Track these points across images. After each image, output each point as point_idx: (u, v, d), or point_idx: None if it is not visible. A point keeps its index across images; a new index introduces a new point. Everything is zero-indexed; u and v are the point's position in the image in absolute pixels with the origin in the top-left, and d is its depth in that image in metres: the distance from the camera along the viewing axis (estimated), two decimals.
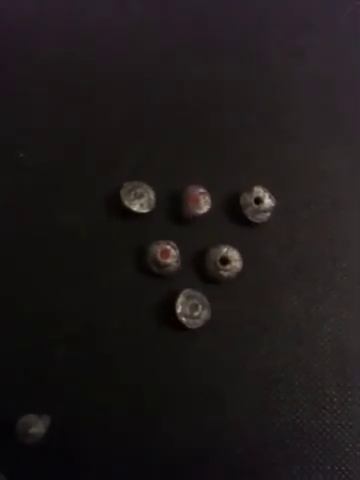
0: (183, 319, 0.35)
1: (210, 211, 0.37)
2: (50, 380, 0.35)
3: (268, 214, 0.37)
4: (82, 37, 0.44)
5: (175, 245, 0.36)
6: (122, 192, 0.37)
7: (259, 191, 0.37)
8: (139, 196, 0.37)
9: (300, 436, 0.34)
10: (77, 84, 0.42)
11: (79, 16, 0.44)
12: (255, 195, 0.37)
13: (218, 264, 0.36)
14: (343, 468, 0.34)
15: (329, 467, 0.34)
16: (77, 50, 0.43)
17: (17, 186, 0.39)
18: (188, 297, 0.35)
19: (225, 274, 0.36)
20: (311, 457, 0.34)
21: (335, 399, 0.35)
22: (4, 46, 0.43)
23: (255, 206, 0.37)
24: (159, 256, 0.36)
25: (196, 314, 0.35)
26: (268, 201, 0.37)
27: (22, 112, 0.41)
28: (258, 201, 0.37)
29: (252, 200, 0.37)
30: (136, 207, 0.37)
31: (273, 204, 0.37)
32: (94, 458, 0.34)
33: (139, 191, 0.37)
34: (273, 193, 0.37)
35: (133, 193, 0.37)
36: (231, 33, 0.43)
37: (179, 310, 0.35)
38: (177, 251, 0.36)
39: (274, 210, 0.37)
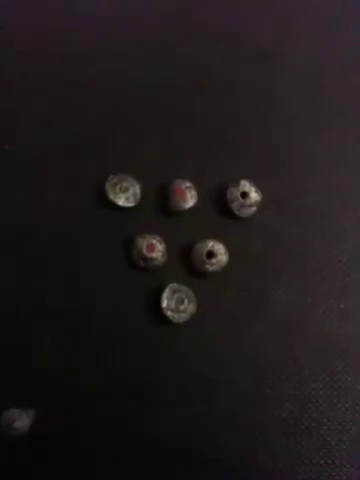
0: (169, 313, 0.35)
1: (196, 205, 0.37)
2: (35, 373, 0.35)
3: (254, 208, 0.37)
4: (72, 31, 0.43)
5: (161, 239, 0.36)
6: (107, 185, 0.37)
7: (245, 185, 0.37)
8: (125, 190, 0.37)
9: (286, 429, 0.35)
10: (65, 76, 0.41)
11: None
12: (241, 189, 0.37)
13: (204, 258, 0.36)
14: (329, 461, 0.34)
15: (314, 461, 0.34)
16: (68, 42, 0.43)
17: (1, 179, 0.39)
18: (174, 291, 0.35)
19: (211, 268, 0.36)
20: (297, 450, 0.34)
21: (321, 392, 0.35)
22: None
23: (241, 200, 0.37)
24: (145, 250, 0.36)
25: (182, 308, 0.35)
26: (254, 195, 0.37)
27: (6, 101, 0.41)
28: (244, 195, 0.37)
29: (238, 194, 0.37)
30: (121, 201, 0.37)
31: (259, 198, 0.37)
32: (80, 450, 0.34)
33: (125, 184, 0.37)
34: (260, 185, 0.37)
35: (119, 186, 0.37)
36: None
37: (164, 304, 0.35)
38: (163, 245, 0.36)
39: (261, 203, 0.37)
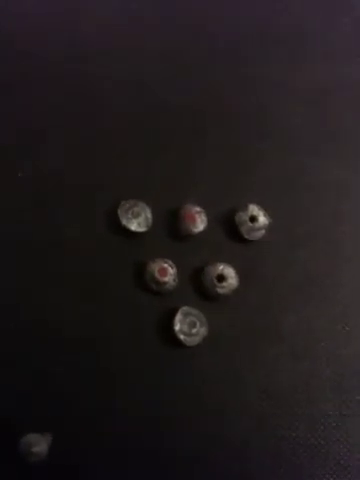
0: (181, 336, 0.35)
1: (206, 229, 0.38)
2: (49, 397, 0.35)
3: (263, 231, 0.38)
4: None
5: (172, 263, 0.37)
6: (119, 211, 0.37)
7: (254, 209, 0.38)
8: (136, 215, 0.37)
9: (298, 450, 0.35)
10: (76, 98, 0.42)
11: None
12: (250, 213, 0.38)
13: (215, 281, 0.36)
14: None
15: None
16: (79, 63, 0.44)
17: (14, 203, 0.39)
18: (186, 314, 0.36)
19: (222, 291, 0.36)
20: (308, 470, 0.35)
21: (331, 413, 0.36)
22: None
23: (250, 224, 0.38)
24: (157, 274, 0.36)
25: (194, 331, 0.36)
26: (263, 219, 0.38)
27: (20, 126, 0.41)
28: (253, 219, 0.38)
29: (247, 218, 0.38)
30: (134, 226, 0.37)
31: (267, 222, 0.38)
32: (96, 474, 0.34)
33: (136, 210, 0.38)
34: (269, 209, 0.38)
35: (130, 212, 0.37)
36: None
37: (177, 327, 0.35)
38: (174, 269, 0.37)
39: (269, 227, 0.38)
